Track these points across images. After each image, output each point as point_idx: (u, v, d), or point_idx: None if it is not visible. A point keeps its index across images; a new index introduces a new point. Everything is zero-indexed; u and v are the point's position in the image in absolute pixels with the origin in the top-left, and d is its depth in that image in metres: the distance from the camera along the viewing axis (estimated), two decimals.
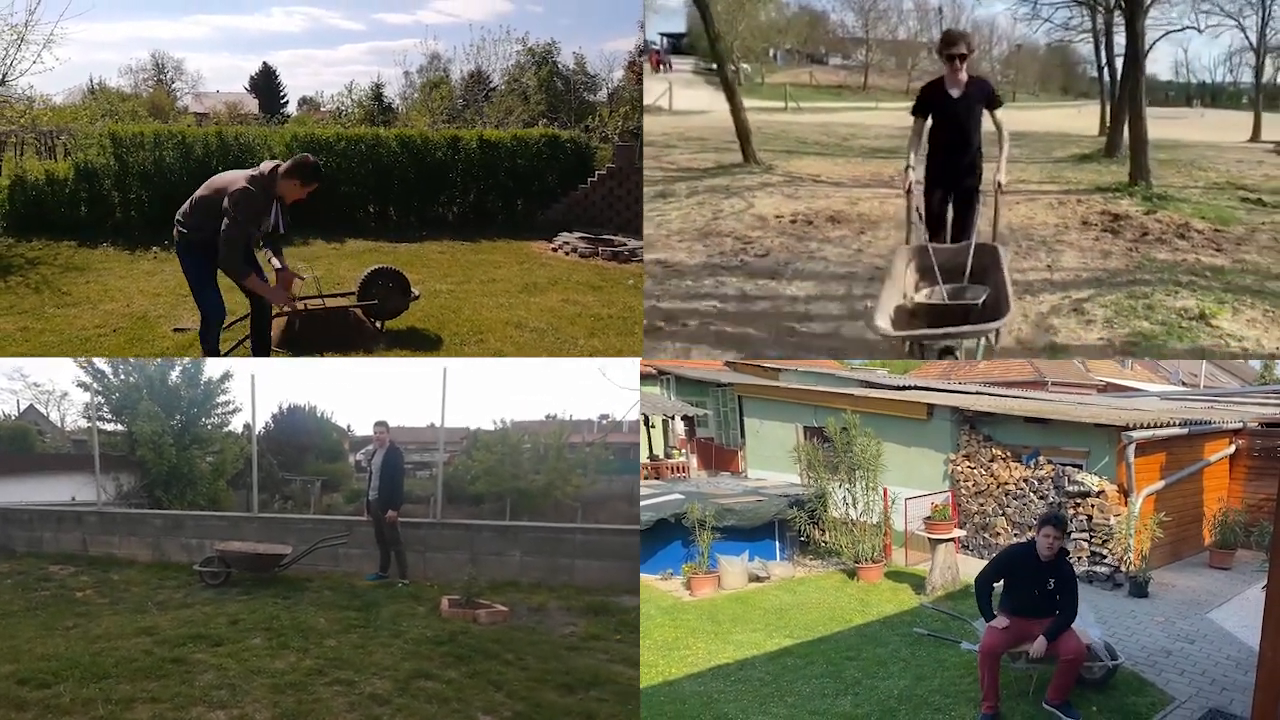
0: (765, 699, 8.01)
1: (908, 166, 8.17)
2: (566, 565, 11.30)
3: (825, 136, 23.28)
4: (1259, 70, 29.03)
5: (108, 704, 6.11)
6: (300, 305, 10.46)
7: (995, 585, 7.53)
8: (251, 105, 42.24)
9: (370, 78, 47.62)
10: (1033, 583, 7.24)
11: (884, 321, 7.09)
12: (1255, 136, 24.42)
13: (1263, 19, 27.88)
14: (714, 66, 41.95)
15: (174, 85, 50.09)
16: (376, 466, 11.09)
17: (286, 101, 52.90)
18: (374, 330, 11.03)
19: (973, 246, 7.83)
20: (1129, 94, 15.63)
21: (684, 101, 28.46)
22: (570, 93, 25.72)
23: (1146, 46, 16.23)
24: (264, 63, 61.55)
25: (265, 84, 55.03)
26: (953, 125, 8.19)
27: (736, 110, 17.18)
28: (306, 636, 8.08)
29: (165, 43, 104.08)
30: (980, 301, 7.35)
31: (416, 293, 11.57)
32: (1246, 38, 29.21)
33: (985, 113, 8.32)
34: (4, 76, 16.90)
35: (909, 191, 8.14)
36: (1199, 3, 27.18)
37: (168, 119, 27.41)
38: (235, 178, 8.08)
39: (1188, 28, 29.09)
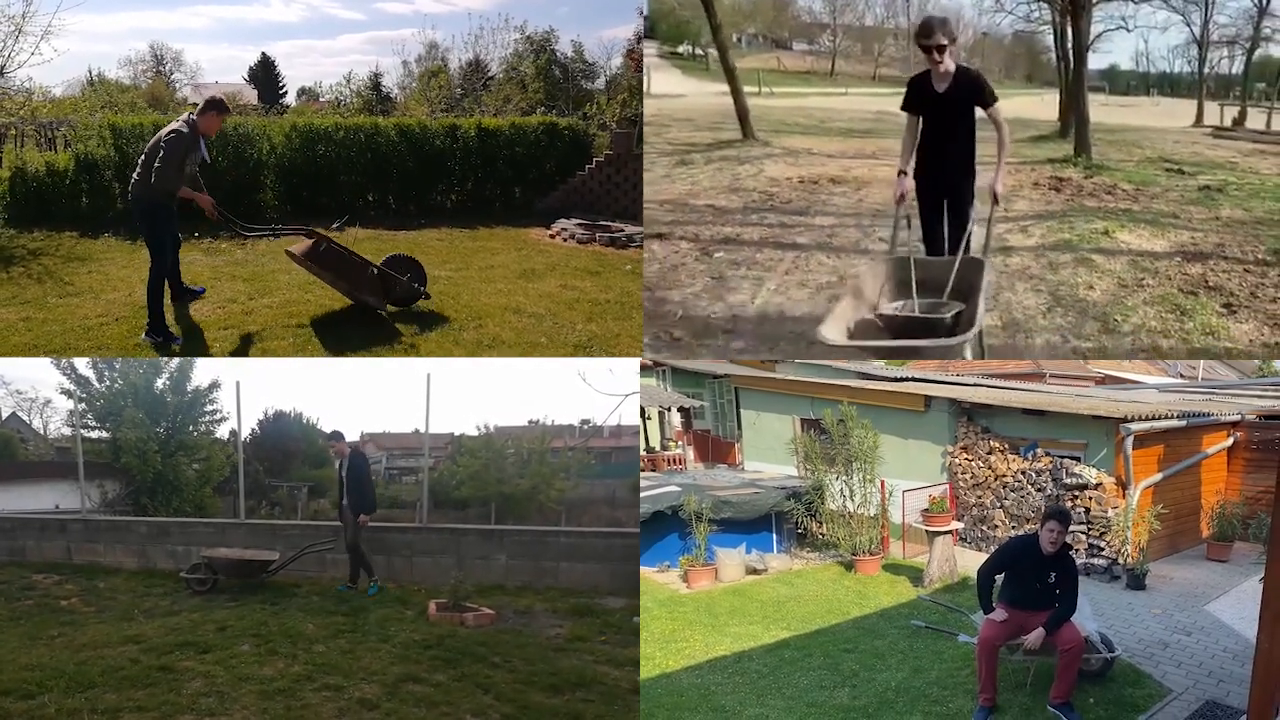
0: (763, 691, 8.03)
1: (900, 172, 7.42)
2: (551, 568, 11.41)
3: (804, 119, 25.18)
4: (1201, 62, 31.94)
5: (94, 714, 6.10)
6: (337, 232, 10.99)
7: (997, 578, 7.49)
8: (250, 96, 41.98)
9: (369, 67, 47.41)
10: (1034, 575, 7.20)
11: (832, 331, 6.22)
12: (1198, 122, 27.27)
13: (1205, 16, 30.48)
14: (679, 50, 42.24)
15: (173, 76, 50.00)
16: (344, 475, 11.16)
17: (285, 92, 52.68)
18: (382, 298, 10.81)
19: (958, 263, 6.98)
20: (1074, 81, 18.74)
21: (659, 85, 29.20)
22: (568, 80, 25.57)
23: (1090, 40, 19.32)
24: (263, 53, 61.36)
25: (264, 75, 54.79)
26: (939, 125, 7.36)
27: (737, 93, 19.27)
28: (295, 642, 8.10)
29: (164, 34, 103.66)
30: (948, 317, 6.60)
31: (428, 293, 11.44)
32: (1191, 32, 31.67)
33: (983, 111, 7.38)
34: (2, 68, 16.82)
35: (899, 200, 7.38)
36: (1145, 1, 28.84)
37: (167, 110, 27.23)
38: (166, 128, 9.40)
39: (1119, 27, 31.53)
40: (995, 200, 7.28)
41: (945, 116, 7.22)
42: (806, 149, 19.17)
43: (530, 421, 24.28)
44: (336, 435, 11.66)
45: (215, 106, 9.65)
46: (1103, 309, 8.67)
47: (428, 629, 8.84)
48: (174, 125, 9.35)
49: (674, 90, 30.42)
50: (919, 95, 7.32)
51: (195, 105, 10.42)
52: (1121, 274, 9.72)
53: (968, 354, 6.75)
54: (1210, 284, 9.40)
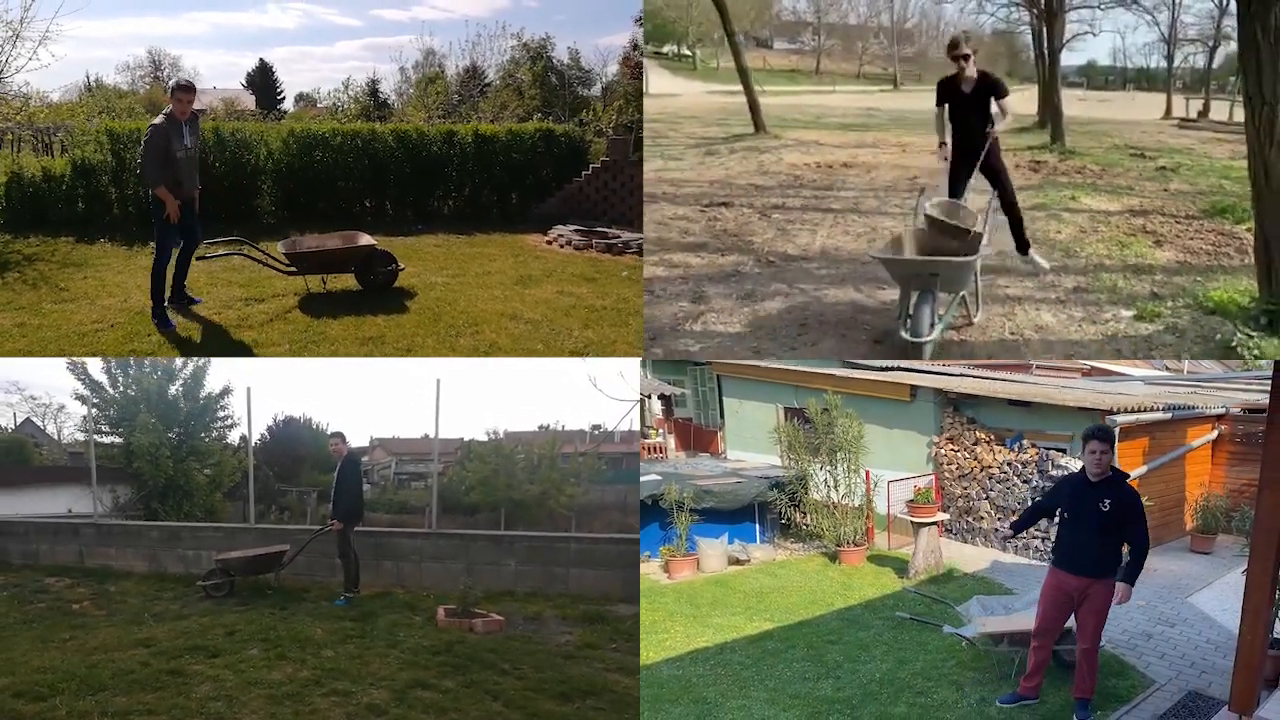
0: (745, 683, 8.10)
1: (941, 144, 9.09)
2: (561, 574, 11.41)
3: (800, 115, 26.42)
4: (1170, 59, 34.42)
5: (104, 716, 6.17)
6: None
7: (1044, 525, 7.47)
8: (248, 101, 42.04)
9: (366, 73, 47.29)
10: (1086, 508, 6.79)
11: (877, 251, 8.52)
12: (1167, 114, 29.33)
13: (1173, 15, 32.99)
14: (664, 50, 42.74)
15: (171, 82, 50.02)
16: (335, 478, 11.13)
17: (283, 97, 52.50)
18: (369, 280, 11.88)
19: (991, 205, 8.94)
20: (1049, 79, 20.83)
21: (653, 85, 30.47)
22: (564, 87, 25.56)
23: (1062, 41, 21.71)
24: (260, 59, 61.30)
25: (262, 80, 54.65)
26: (965, 115, 8.86)
27: (750, 90, 20.97)
28: (303, 647, 8.16)
29: (162, 39, 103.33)
30: (970, 230, 8.19)
31: (403, 266, 12.32)
32: (1160, 31, 33.96)
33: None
34: (0, 73, 16.88)
35: (946, 159, 9.09)
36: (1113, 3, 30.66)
37: None
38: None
39: (1086, 32, 33.90)
40: (992, 130, 8.80)
41: (970, 109, 8.79)
42: (814, 140, 20.84)
43: (540, 426, 24.19)
44: (338, 435, 11.64)
45: (175, 89, 10.18)
46: (1066, 244, 11.02)
47: (436, 635, 8.86)
48: (153, 120, 9.97)
49: (667, 90, 31.29)
50: (948, 92, 8.89)
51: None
52: (1082, 224, 12.10)
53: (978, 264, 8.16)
54: (1147, 230, 11.84)
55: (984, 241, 8.28)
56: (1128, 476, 7.06)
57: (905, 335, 7.66)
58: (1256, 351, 7.30)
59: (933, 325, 7.58)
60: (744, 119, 21.46)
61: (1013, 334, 8.32)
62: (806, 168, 16.92)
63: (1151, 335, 8.15)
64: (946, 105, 9.00)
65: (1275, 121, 6.74)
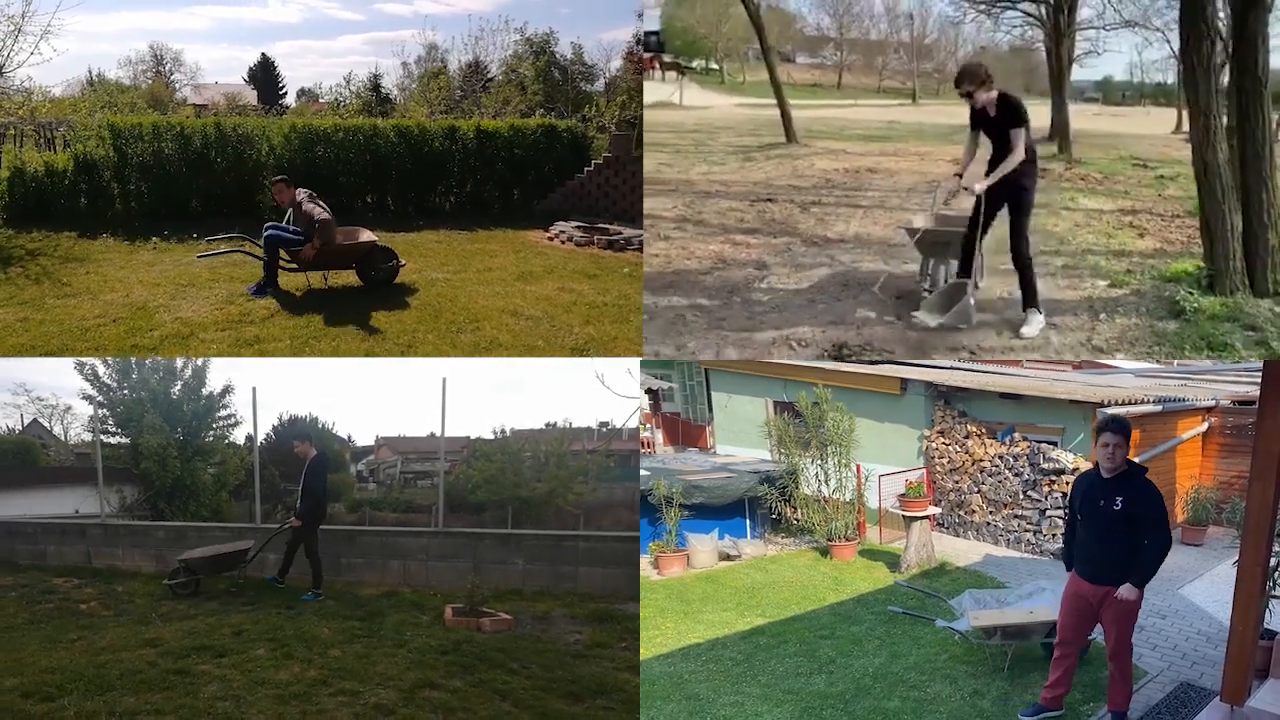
0: (737, 679, 8.18)
1: (956, 174, 8.93)
2: (570, 572, 11.37)
3: (825, 127, 27.23)
4: (1180, 74, 33.60)
5: (112, 717, 6.17)
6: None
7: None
8: (250, 97, 41.94)
9: (368, 68, 47.49)
10: (1101, 508, 6.36)
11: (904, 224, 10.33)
12: (1177, 128, 29.81)
13: (1182, 33, 32.71)
14: (695, 65, 43.95)
15: (173, 77, 49.89)
16: (301, 479, 11.14)
17: (285, 93, 52.67)
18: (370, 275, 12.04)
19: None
20: (1056, 94, 22.26)
21: (687, 99, 32.78)
22: (567, 83, 25.60)
23: (1070, 59, 22.78)
24: (262, 54, 61.07)
25: (264, 75, 54.73)
26: (995, 139, 8.50)
27: (783, 103, 22.40)
28: (310, 647, 8.14)
29: (163, 34, 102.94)
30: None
31: (404, 262, 12.49)
32: (1170, 48, 34.08)
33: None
34: (1, 68, 16.71)
35: (953, 193, 9.70)
36: (1121, 24, 31.20)
37: (167, 110, 27.25)
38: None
39: (1090, 52, 34.49)
40: (968, 189, 8.48)
41: (997, 133, 8.43)
42: (841, 149, 22.19)
43: (547, 424, 24.12)
44: (302, 435, 11.65)
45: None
46: (1060, 234, 12.18)
47: (444, 634, 8.83)
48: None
49: (702, 103, 33.48)
50: (976, 117, 8.57)
51: (194, 106, 10.87)
52: (1077, 220, 13.19)
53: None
54: (1134, 225, 12.86)
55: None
56: (1145, 471, 6.53)
57: (924, 287, 9.41)
58: (1195, 305, 8.62)
59: (945, 281, 9.14)
60: (774, 130, 22.62)
61: (1005, 296, 9.34)
62: (836, 172, 18.33)
63: (1118, 297, 9.47)
64: (978, 133, 8.67)
65: (1209, 127, 8.32)
